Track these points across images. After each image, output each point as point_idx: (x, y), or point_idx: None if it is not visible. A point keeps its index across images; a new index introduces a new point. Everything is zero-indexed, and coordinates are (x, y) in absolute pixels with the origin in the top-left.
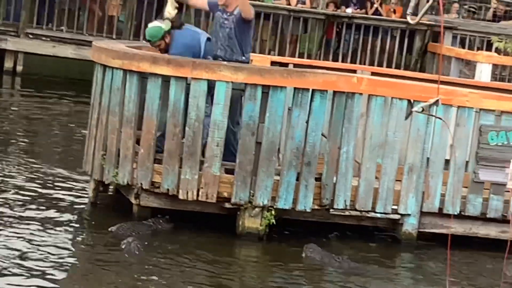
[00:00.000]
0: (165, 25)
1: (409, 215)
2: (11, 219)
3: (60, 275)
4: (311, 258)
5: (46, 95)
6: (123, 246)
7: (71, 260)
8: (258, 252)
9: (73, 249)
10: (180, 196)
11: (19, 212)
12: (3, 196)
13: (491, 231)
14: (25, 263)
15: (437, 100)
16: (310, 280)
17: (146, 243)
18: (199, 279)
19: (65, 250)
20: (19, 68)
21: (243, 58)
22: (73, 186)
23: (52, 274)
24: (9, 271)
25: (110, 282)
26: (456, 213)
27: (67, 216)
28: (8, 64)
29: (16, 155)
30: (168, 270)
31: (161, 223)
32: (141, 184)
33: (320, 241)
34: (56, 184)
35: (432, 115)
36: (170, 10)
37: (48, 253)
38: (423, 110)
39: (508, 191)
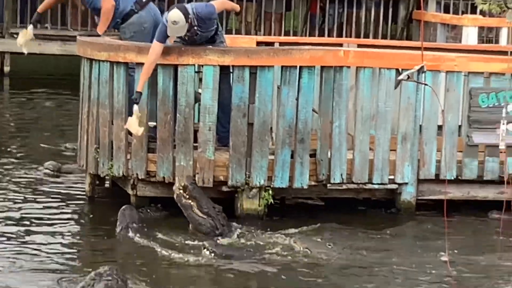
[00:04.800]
0: None
1: (406, 183)
2: (11, 219)
3: (66, 270)
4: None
5: (35, 94)
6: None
7: (74, 256)
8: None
9: (76, 245)
10: (177, 183)
11: (18, 210)
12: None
13: (489, 194)
14: (31, 259)
15: (422, 67)
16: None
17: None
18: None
19: (67, 246)
20: (6, 68)
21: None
22: (69, 182)
23: (58, 270)
24: (19, 268)
25: None
26: (453, 178)
27: (66, 213)
28: None
29: (9, 155)
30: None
31: (149, 213)
32: (137, 174)
33: (321, 217)
34: (51, 181)
35: (418, 82)
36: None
37: (52, 250)
38: (409, 77)
39: (502, 152)
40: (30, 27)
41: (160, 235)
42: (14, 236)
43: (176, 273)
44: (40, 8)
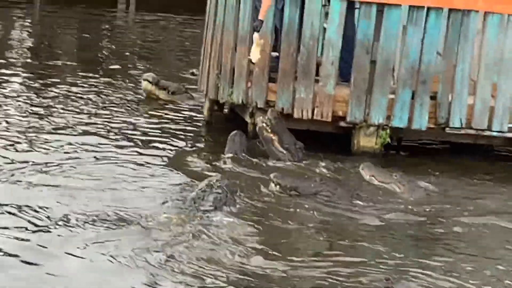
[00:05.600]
0: None
1: None
2: (133, 133)
3: (178, 186)
4: (362, 174)
5: (160, 16)
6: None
7: (188, 174)
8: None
9: (190, 164)
10: (295, 115)
11: (141, 126)
12: (126, 111)
13: None
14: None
15: None
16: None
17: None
18: None
19: (181, 166)
20: None
21: None
22: (189, 106)
23: (171, 185)
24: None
25: None
26: None
27: (184, 136)
28: None
29: (135, 77)
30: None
31: (259, 144)
32: (256, 103)
33: (436, 160)
34: (172, 104)
35: None
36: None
37: (167, 169)
38: None
39: None
40: (256, 35)
41: (261, 163)
42: (127, 152)
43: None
44: (261, 15)
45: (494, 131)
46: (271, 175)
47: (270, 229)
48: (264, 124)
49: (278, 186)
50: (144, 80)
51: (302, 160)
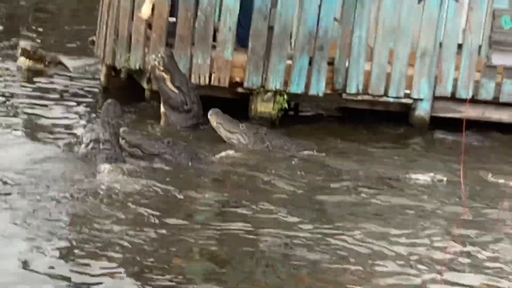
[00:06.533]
0: None
1: (422, 99)
2: (25, 102)
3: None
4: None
5: None
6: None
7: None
8: None
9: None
10: (192, 81)
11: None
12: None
13: (503, 116)
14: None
15: None
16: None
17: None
18: None
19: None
20: None
21: None
22: (86, 71)
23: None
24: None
25: None
26: (468, 98)
27: (80, 101)
28: None
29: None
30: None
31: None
32: None
33: (332, 126)
34: (68, 69)
35: None
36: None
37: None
38: None
39: None
40: None
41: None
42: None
43: None
44: None
45: (390, 97)
46: (121, 129)
47: (157, 190)
48: (157, 62)
49: (124, 141)
50: (20, 48)
51: (194, 101)
